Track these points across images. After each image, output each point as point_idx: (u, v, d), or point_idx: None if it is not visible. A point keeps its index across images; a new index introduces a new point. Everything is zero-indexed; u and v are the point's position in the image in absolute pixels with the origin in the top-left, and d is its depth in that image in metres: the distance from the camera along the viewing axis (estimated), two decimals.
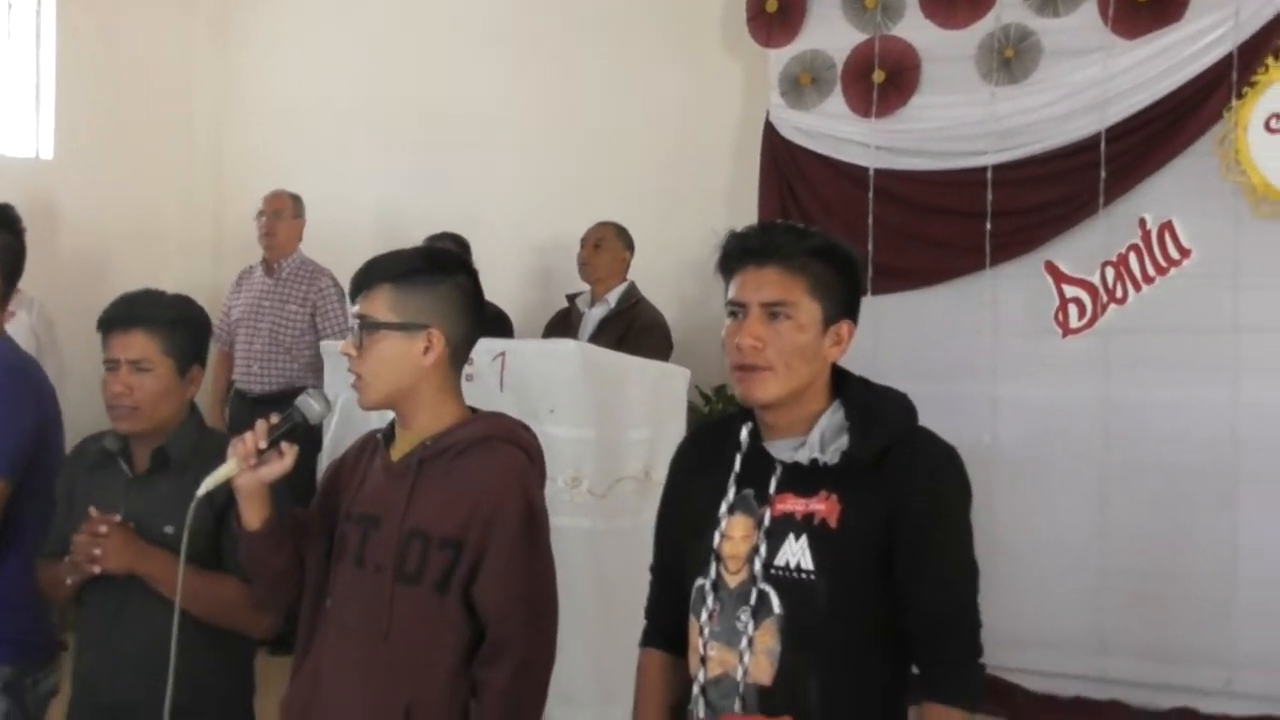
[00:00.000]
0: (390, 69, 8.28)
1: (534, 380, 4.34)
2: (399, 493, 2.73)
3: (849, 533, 2.36)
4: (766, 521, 2.42)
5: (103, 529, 3.07)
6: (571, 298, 7.04)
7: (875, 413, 2.43)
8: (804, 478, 2.42)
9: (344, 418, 4.52)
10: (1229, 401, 6.07)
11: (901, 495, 2.36)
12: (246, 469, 2.73)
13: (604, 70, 7.71)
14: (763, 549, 2.41)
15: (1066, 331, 6.47)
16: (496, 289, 7.24)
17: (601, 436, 4.36)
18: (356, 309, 2.77)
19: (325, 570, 2.83)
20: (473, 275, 2.88)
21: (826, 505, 2.38)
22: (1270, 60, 6.02)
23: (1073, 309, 6.45)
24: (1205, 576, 6.09)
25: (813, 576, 2.36)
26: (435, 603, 2.67)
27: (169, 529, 3.06)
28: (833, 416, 2.44)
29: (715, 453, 2.56)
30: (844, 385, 2.51)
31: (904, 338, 6.74)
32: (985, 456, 6.50)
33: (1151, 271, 6.29)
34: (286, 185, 7.66)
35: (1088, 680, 6.29)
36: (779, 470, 2.44)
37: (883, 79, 6.81)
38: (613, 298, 6.80)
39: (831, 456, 2.40)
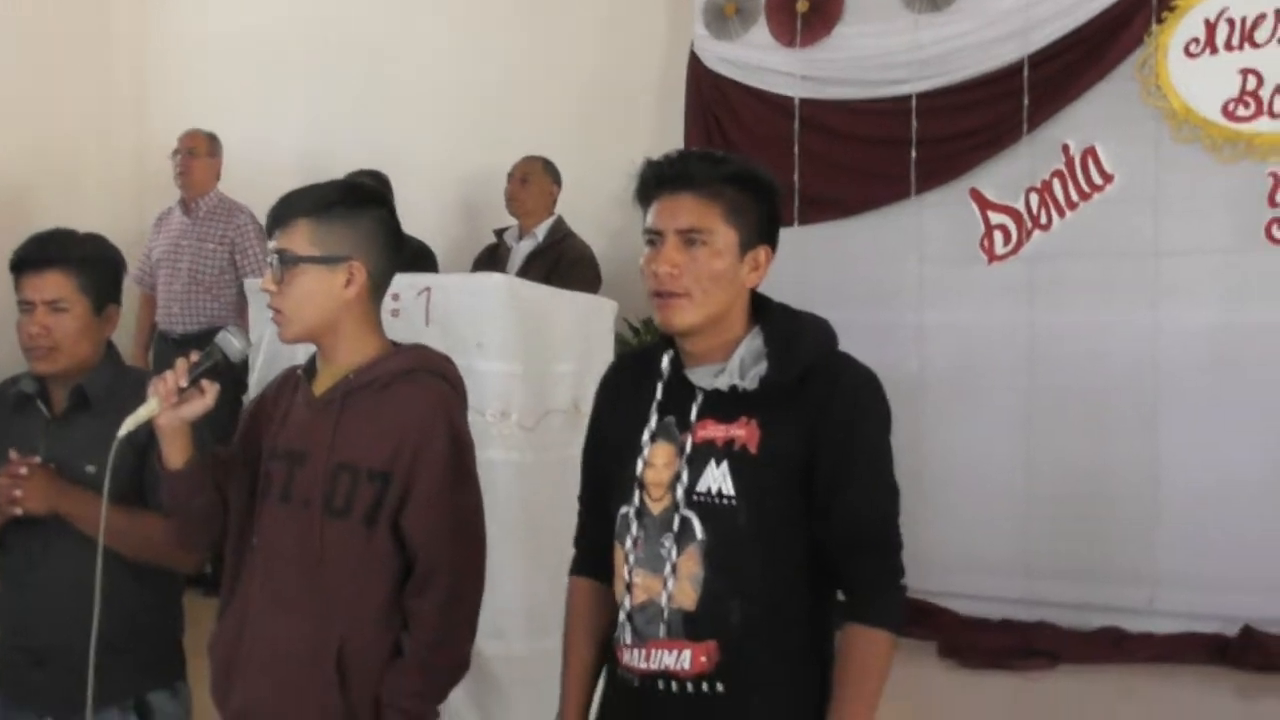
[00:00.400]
0: (312, 4, 8.18)
1: (460, 315, 4.30)
2: (324, 427, 2.71)
3: (769, 457, 2.37)
4: (688, 448, 2.42)
5: (23, 470, 3.04)
6: (499, 232, 7.02)
7: (794, 338, 2.43)
8: (724, 404, 2.42)
9: (269, 356, 4.47)
10: (1150, 325, 6.16)
11: (820, 419, 2.36)
12: (167, 408, 2.70)
13: (528, 2, 7.65)
14: (684, 475, 2.41)
15: (992, 258, 6.53)
16: (424, 224, 7.27)
17: (529, 370, 4.33)
18: (274, 244, 2.73)
19: (250, 508, 2.81)
20: (391, 209, 2.86)
21: (746, 431, 2.39)
22: None
23: (998, 235, 6.51)
24: (1128, 498, 6.20)
25: (734, 501, 2.37)
26: (364, 535, 2.67)
27: (90, 468, 3.03)
28: (752, 343, 2.45)
29: (638, 382, 2.56)
30: (764, 312, 2.50)
31: (831, 266, 6.79)
32: (912, 383, 6.60)
33: (1075, 197, 6.35)
34: (208, 123, 7.55)
35: (1016, 603, 6.38)
36: (700, 397, 2.45)
37: (806, 8, 6.82)
38: (540, 231, 6.78)
39: (750, 382, 2.40)
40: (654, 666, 2.41)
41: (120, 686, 2.99)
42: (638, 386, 2.54)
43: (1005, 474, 6.46)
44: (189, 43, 8.56)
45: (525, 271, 6.54)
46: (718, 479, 2.38)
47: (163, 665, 3.26)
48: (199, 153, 7.30)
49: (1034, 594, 6.34)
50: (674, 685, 2.39)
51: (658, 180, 2.46)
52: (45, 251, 3.21)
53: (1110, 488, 6.24)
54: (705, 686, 2.38)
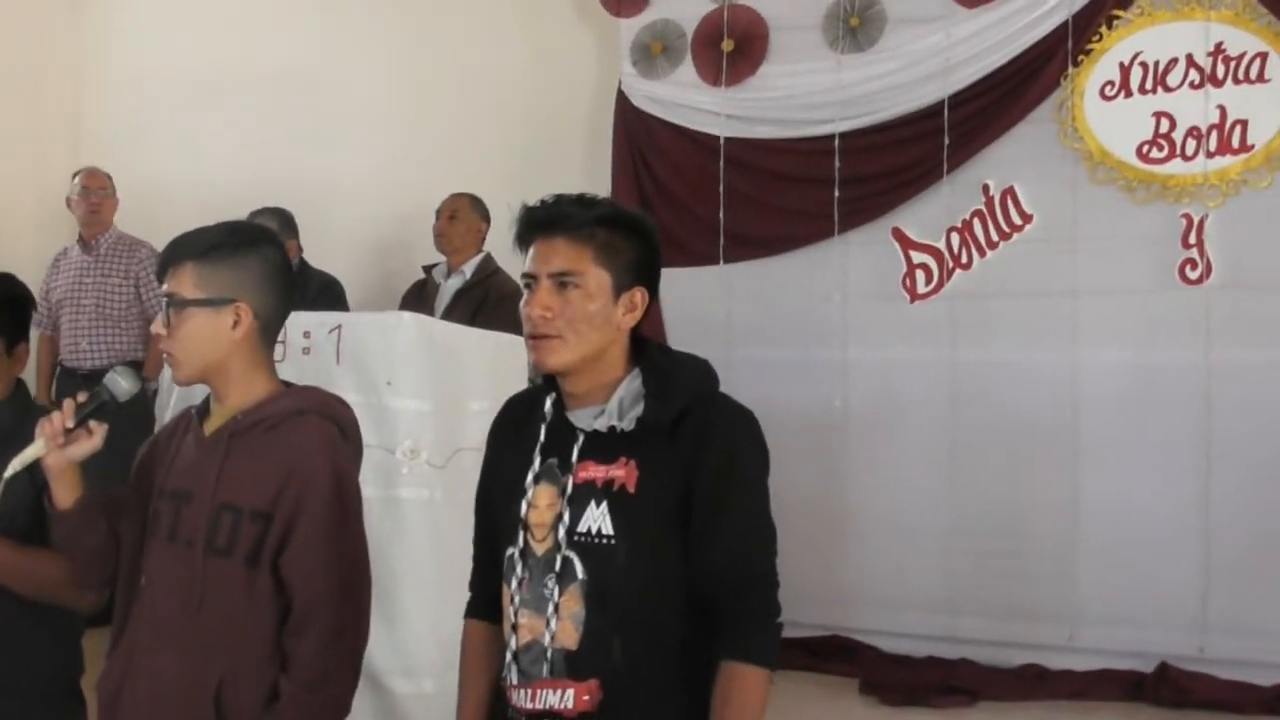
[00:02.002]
0: (244, 40, 8.17)
1: (371, 352, 4.32)
2: (210, 467, 2.72)
3: (646, 497, 2.39)
4: (569, 489, 2.45)
5: None
6: (428, 268, 7.02)
7: (671, 379, 2.46)
8: (604, 445, 2.45)
9: (183, 395, 4.47)
10: (1069, 364, 6.23)
11: (695, 458, 2.39)
12: (54, 448, 2.72)
13: (457, 39, 7.68)
14: (566, 516, 2.44)
15: (914, 297, 6.58)
16: (352, 260, 7.30)
17: (440, 407, 4.35)
18: (165, 288, 2.75)
19: (140, 546, 2.81)
20: (280, 249, 2.87)
21: (625, 471, 2.41)
22: (1104, 29, 6.18)
23: (920, 275, 6.56)
24: (1048, 535, 6.25)
25: (612, 541, 2.39)
26: (246, 576, 2.66)
27: None
28: (631, 384, 2.47)
29: (523, 423, 2.59)
30: (643, 353, 2.53)
31: (756, 305, 6.86)
32: (836, 420, 6.65)
33: (995, 237, 6.41)
34: (140, 158, 7.57)
35: (939, 640, 6.42)
36: (581, 439, 2.47)
37: (731, 48, 6.87)
38: (469, 268, 6.78)
39: (628, 423, 2.43)
40: (539, 706, 2.43)
41: None
42: (523, 429, 2.57)
43: (928, 511, 6.49)
44: (122, 79, 8.54)
45: (453, 308, 6.56)
46: (597, 519, 2.41)
47: (56, 705, 3.22)
48: (109, 191, 7.34)
49: (956, 631, 6.38)
50: None
51: (531, 225, 2.49)
52: None
53: (1031, 525, 6.29)
54: None
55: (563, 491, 2.46)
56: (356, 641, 2.74)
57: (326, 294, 6.65)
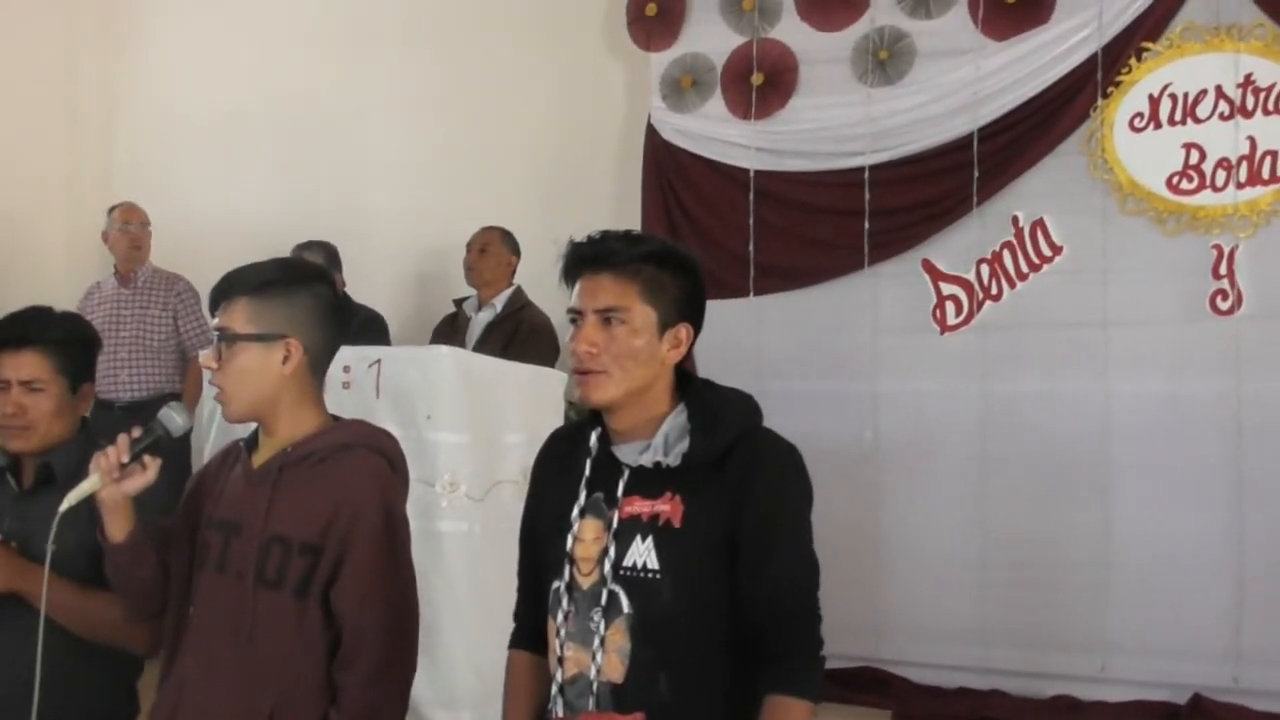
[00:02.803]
0: (275, 79, 8.25)
1: (409, 386, 4.37)
2: (259, 499, 2.76)
3: (692, 532, 2.42)
4: (615, 524, 2.48)
5: None
6: (459, 302, 7.06)
7: (717, 414, 2.49)
8: (649, 480, 2.48)
9: (224, 427, 4.51)
10: (1100, 395, 6.21)
11: (742, 493, 2.42)
12: (109, 483, 2.76)
13: (487, 74, 7.73)
14: (612, 550, 2.46)
15: (944, 328, 6.59)
16: (384, 294, 7.34)
17: (477, 440, 4.39)
18: (216, 322, 2.80)
19: (189, 578, 2.85)
20: (331, 284, 2.91)
21: (671, 506, 2.44)
22: (1133, 60, 6.19)
23: (950, 306, 6.57)
24: (1080, 565, 6.23)
25: (658, 575, 2.42)
26: (296, 608, 2.70)
27: (53, 546, 3.05)
28: (676, 419, 2.51)
29: (569, 458, 2.62)
30: (688, 388, 2.56)
31: (786, 337, 6.87)
32: (867, 452, 6.65)
33: (1025, 268, 6.42)
34: (173, 196, 7.62)
35: (969, 671, 6.40)
36: (626, 474, 2.51)
37: (761, 81, 6.90)
38: (499, 302, 6.82)
39: (674, 459, 2.46)
40: None
41: None
42: (568, 463, 2.60)
43: (959, 542, 6.48)
44: (155, 116, 8.61)
45: (484, 341, 6.59)
46: (643, 553, 2.44)
47: None
48: (147, 225, 7.40)
49: (988, 662, 6.36)
50: None
51: (578, 261, 2.53)
52: (23, 331, 3.25)
53: (1062, 556, 6.27)
54: None
55: (608, 526, 2.49)
56: (405, 674, 2.78)
57: (370, 329, 6.69)
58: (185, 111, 8.45)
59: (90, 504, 2.80)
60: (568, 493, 2.57)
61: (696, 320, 2.57)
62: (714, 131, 7.07)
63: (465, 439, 4.38)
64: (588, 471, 2.56)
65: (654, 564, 2.43)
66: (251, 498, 2.78)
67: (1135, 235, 6.19)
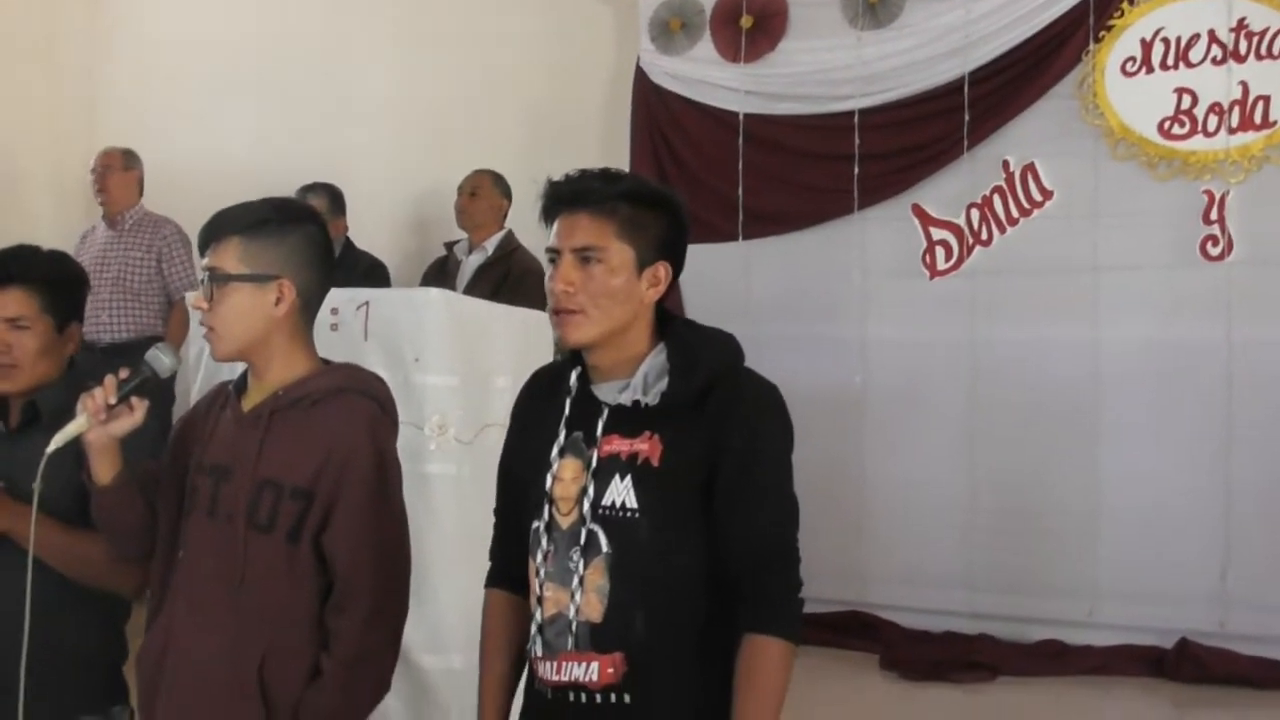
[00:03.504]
0: (262, 19, 8.18)
1: (398, 329, 4.32)
2: (250, 443, 2.73)
3: (670, 471, 2.41)
4: (594, 463, 2.46)
5: None
6: (449, 245, 7.03)
7: (696, 353, 2.47)
8: (629, 419, 2.46)
9: (210, 371, 4.48)
10: (1090, 340, 6.23)
11: (721, 432, 2.40)
12: (96, 424, 2.73)
13: (477, 17, 7.67)
14: (591, 489, 2.45)
15: (934, 274, 6.59)
16: (375, 238, 7.29)
17: (467, 383, 4.35)
18: (206, 261, 2.75)
19: (177, 522, 2.83)
20: (322, 225, 2.88)
21: (649, 445, 2.42)
22: (1125, 4, 6.18)
23: (939, 251, 6.57)
24: (1068, 511, 6.26)
25: (636, 514, 2.41)
26: (287, 552, 2.68)
27: (40, 486, 3.04)
28: (655, 358, 2.49)
29: (549, 398, 2.60)
30: (669, 327, 2.55)
31: (775, 281, 6.87)
32: (855, 397, 6.67)
33: (1015, 213, 6.42)
34: (157, 136, 7.57)
35: (958, 615, 6.45)
36: (605, 413, 2.49)
37: (750, 24, 6.87)
38: (490, 245, 6.79)
39: (653, 398, 2.45)
40: (564, 678, 2.44)
41: (51, 710, 2.96)
42: (548, 403, 2.58)
43: (947, 488, 6.51)
44: (139, 55, 8.52)
45: (474, 284, 6.56)
46: (621, 492, 2.42)
47: (98, 690, 3.22)
48: (113, 168, 7.30)
49: (975, 607, 6.40)
50: (584, 697, 2.43)
51: (555, 200, 2.50)
52: (6, 269, 3.20)
53: (1050, 501, 6.30)
54: (613, 697, 2.41)
55: (588, 465, 2.47)
56: (397, 618, 2.77)
57: (373, 276, 6.64)
58: (170, 52, 8.35)
59: (78, 445, 2.78)
60: (548, 432, 2.54)
61: (676, 259, 2.54)
62: (703, 75, 7.05)
63: (454, 381, 4.33)
64: (567, 410, 2.54)
65: (632, 503, 2.42)
66: (242, 441, 2.75)
67: (1126, 180, 6.20)
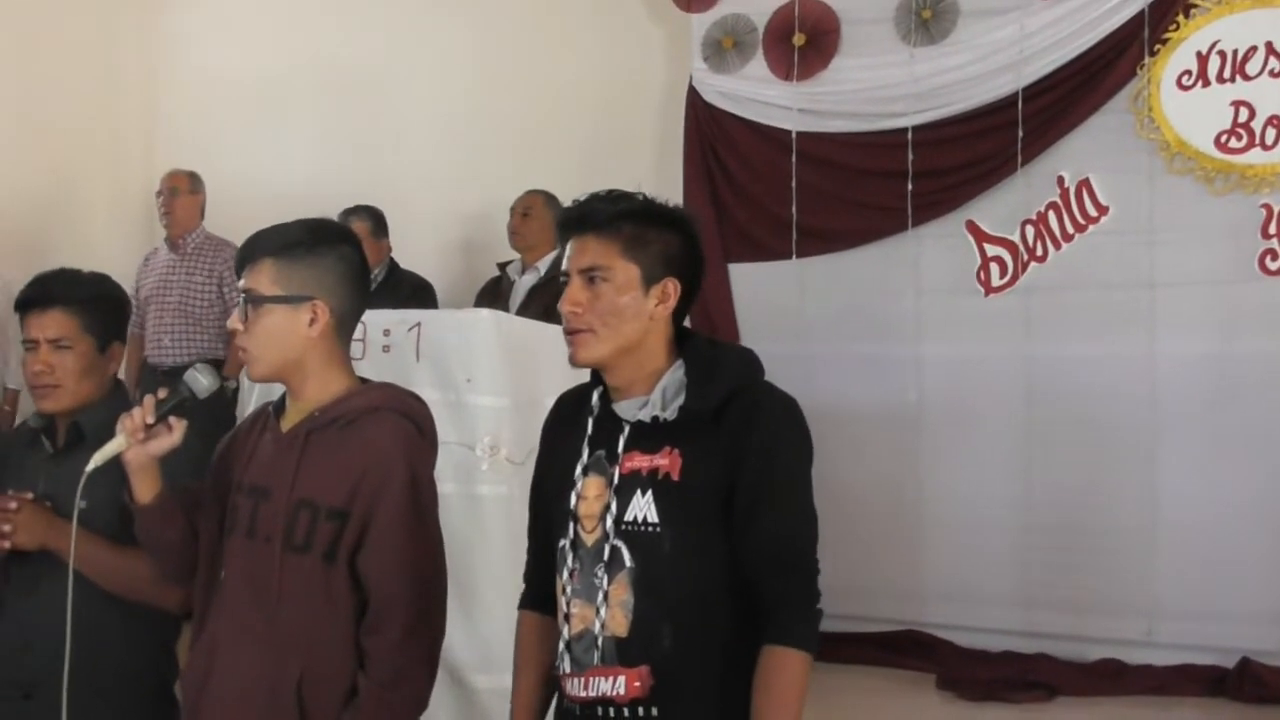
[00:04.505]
0: (317, 44, 8.25)
1: (449, 350, 4.35)
2: (287, 464, 2.75)
3: (690, 484, 2.45)
4: (615, 479, 2.50)
5: (12, 505, 3.08)
6: (502, 266, 7.06)
7: (713, 367, 2.51)
8: (649, 435, 2.50)
9: (263, 392, 4.52)
10: (1146, 356, 6.16)
11: (738, 445, 2.44)
12: (135, 444, 2.76)
13: (528, 38, 7.72)
14: (613, 506, 2.49)
15: (989, 290, 6.54)
16: (428, 260, 7.34)
17: (518, 404, 4.37)
18: (242, 283, 2.78)
19: (219, 542, 2.85)
20: (357, 246, 2.90)
21: (669, 460, 2.46)
22: (1181, 17, 6.12)
23: (994, 268, 6.53)
24: (1126, 529, 6.19)
25: (658, 529, 2.45)
26: (324, 573, 2.69)
27: (83, 504, 3.06)
28: (674, 374, 2.53)
29: (573, 418, 2.65)
30: (687, 343, 2.58)
31: (829, 299, 6.85)
32: (910, 415, 6.63)
33: (1070, 229, 6.36)
34: (214, 160, 7.65)
35: (1015, 635, 6.38)
36: (626, 430, 2.53)
37: (803, 42, 6.86)
38: (543, 265, 6.80)
39: (671, 413, 2.49)
40: (592, 694, 2.48)
41: None
42: (573, 424, 2.64)
43: (1003, 506, 6.45)
44: (195, 81, 8.62)
45: (526, 305, 6.58)
46: (643, 507, 2.47)
47: (146, 708, 3.26)
48: (180, 191, 7.40)
49: (1032, 626, 6.34)
50: (612, 711, 2.47)
51: (566, 224, 2.58)
52: (48, 291, 3.27)
53: (1108, 519, 6.23)
54: (641, 711, 2.45)
55: (610, 482, 2.51)
56: (433, 638, 2.77)
57: (419, 296, 6.69)
58: (225, 76, 8.46)
59: (120, 463, 2.81)
60: (572, 452, 2.59)
61: (687, 275, 2.57)
62: (756, 93, 7.04)
63: (505, 402, 4.36)
64: (590, 429, 2.59)
65: (653, 517, 2.46)
66: (279, 462, 2.77)
67: (1182, 195, 6.12)
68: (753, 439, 2.43)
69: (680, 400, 2.48)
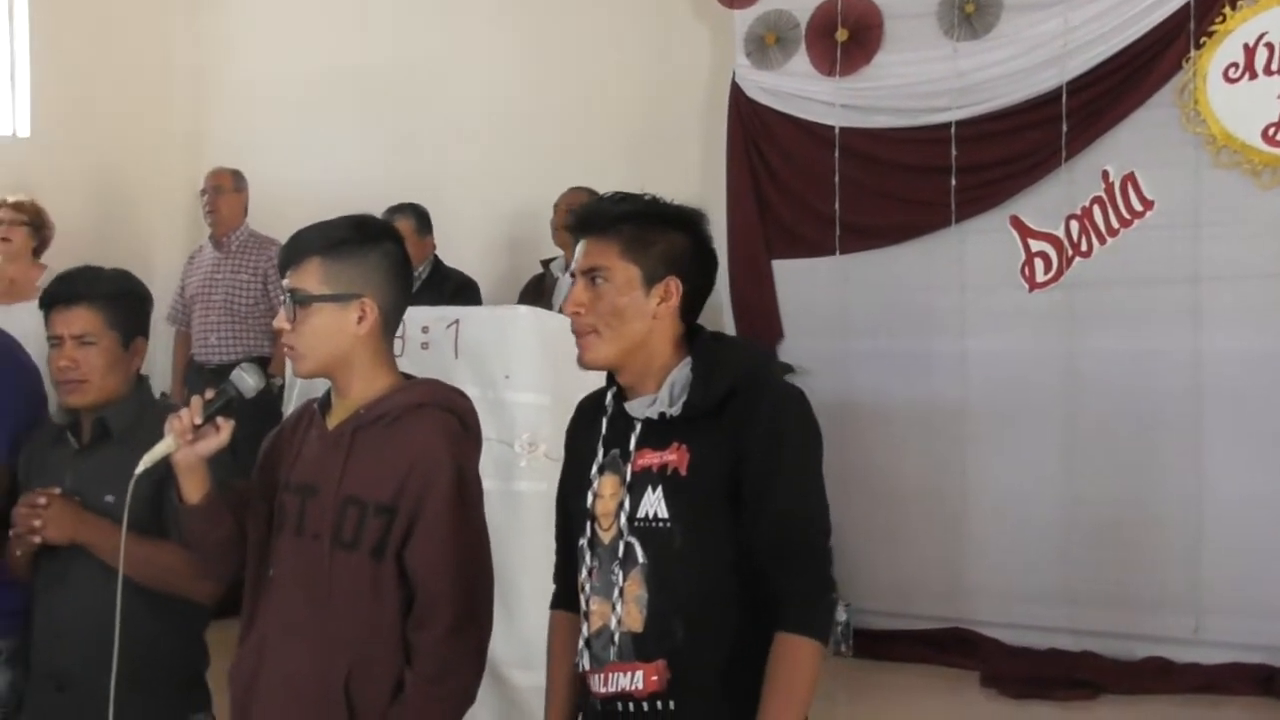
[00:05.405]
0: (360, 39, 8.28)
1: (488, 347, 4.37)
2: (334, 461, 2.77)
3: (698, 479, 2.47)
4: (629, 477, 2.54)
5: (42, 500, 3.12)
6: (546, 263, 7.08)
7: (717, 362, 2.53)
8: (658, 432, 2.53)
9: (305, 389, 4.54)
10: (1192, 350, 6.13)
11: (743, 437, 2.45)
12: (183, 445, 2.78)
13: (571, 36, 7.73)
14: (626, 503, 2.52)
15: (1033, 286, 6.51)
16: (471, 258, 7.36)
17: (557, 400, 4.36)
18: (287, 283, 2.79)
19: (267, 539, 2.87)
20: (400, 242, 2.91)
21: (677, 455, 2.49)
22: (1227, 9, 6.06)
23: (1038, 263, 6.49)
24: (1172, 525, 6.15)
25: (668, 524, 2.48)
26: (372, 569, 2.71)
27: (110, 498, 3.11)
28: (681, 371, 2.55)
29: (591, 420, 2.68)
30: (695, 340, 2.60)
31: (872, 295, 6.82)
32: (954, 411, 6.61)
33: (1115, 224, 6.32)
34: (260, 160, 7.71)
35: (1060, 632, 6.35)
36: (638, 428, 2.56)
37: (846, 37, 6.84)
38: None
39: (676, 408, 2.51)
40: (612, 689, 2.52)
41: (133, 715, 3.00)
42: (591, 425, 2.67)
43: (1048, 502, 6.42)
44: (243, 81, 8.67)
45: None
46: (653, 503, 2.50)
47: (181, 697, 3.30)
48: (224, 189, 7.48)
49: (1078, 623, 6.31)
50: (631, 706, 2.50)
51: (572, 226, 2.63)
52: (72, 288, 3.30)
53: (1154, 515, 6.19)
54: (659, 705, 2.48)
55: (624, 480, 2.54)
56: (480, 632, 2.79)
57: (463, 294, 6.70)
58: (272, 76, 8.50)
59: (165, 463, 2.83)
60: (589, 452, 2.63)
61: (691, 273, 2.58)
62: (798, 89, 7.02)
63: (544, 399, 4.37)
64: (604, 430, 2.62)
65: (664, 513, 2.48)
66: (326, 460, 2.79)
67: (1229, 189, 6.08)
68: (756, 430, 2.45)
69: (687, 396, 2.51)
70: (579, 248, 2.58)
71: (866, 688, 6.09)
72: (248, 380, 2.84)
